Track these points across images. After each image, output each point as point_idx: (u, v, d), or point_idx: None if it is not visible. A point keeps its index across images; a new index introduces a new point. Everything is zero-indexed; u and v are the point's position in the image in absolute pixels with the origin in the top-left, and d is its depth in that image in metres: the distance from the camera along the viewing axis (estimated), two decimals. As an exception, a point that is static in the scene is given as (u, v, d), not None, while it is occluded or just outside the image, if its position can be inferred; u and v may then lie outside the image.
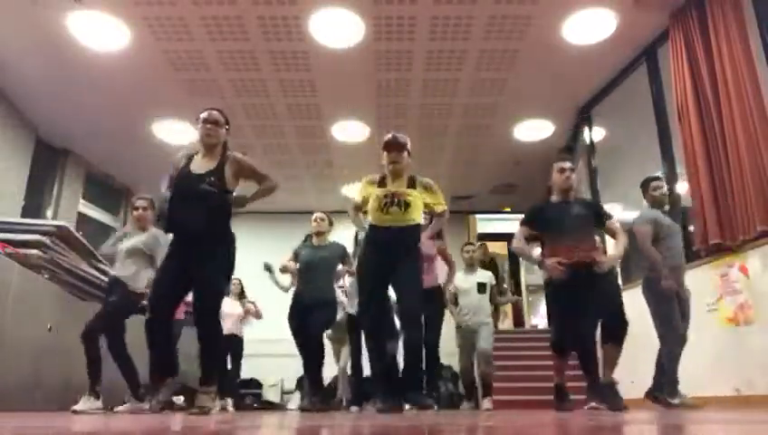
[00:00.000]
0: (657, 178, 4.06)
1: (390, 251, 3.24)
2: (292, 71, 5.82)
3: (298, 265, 4.56)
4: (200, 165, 3.06)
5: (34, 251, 4.46)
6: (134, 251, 3.92)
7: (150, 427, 1.62)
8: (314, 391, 4.35)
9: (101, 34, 5.15)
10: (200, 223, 2.94)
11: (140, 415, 3.16)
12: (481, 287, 5.13)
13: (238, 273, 6.44)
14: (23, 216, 6.16)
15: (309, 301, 4.36)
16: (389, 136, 3.36)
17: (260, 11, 4.93)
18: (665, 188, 3.98)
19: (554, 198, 3.68)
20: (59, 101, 6.26)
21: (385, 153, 3.33)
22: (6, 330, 4.01)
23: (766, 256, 3.93)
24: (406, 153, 3.33)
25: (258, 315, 6.51)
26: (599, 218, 3.58)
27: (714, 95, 4.43)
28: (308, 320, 4.30)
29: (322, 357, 4.42)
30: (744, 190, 4.04)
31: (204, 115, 3.12)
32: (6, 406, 3.67)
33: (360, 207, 3.49)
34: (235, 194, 3.13)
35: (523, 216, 3.74)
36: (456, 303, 5.18)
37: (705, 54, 4.56)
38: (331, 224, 4.69)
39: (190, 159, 3.12)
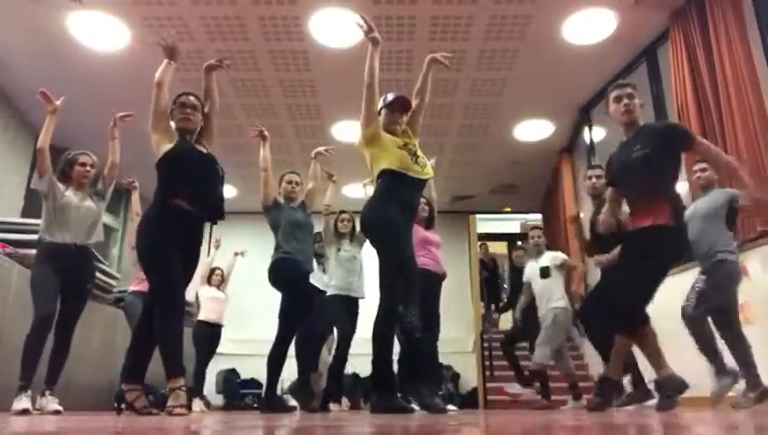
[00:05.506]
0: None
1: (411, 216, 2.87)
2: (292, 71, 5.82)
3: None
4: None
5: (34, 251, 4.45)
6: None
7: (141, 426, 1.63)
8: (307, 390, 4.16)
9: (101, 34, 5.16)
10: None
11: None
12: (543, 272, 4.67)
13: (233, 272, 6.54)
14: (23, 216, 6.15)
15: (305, 265, 3.85)
16: (399, 94, 3.06)
17: (260, 11, 4.93)
18: None
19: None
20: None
21: (386, 112, 3.04)
22: (6, 330, 4.01)
23: (766, 256, 3.93)
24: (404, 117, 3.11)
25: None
26: (675, 143, 2.52)
27: (714, 95, 4.43)
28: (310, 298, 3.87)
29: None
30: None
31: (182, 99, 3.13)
32: (7, 406, 3.66)
33: (376, 132, 2.93)
34: None
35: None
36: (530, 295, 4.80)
37: (705, 54, 4.56)
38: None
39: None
